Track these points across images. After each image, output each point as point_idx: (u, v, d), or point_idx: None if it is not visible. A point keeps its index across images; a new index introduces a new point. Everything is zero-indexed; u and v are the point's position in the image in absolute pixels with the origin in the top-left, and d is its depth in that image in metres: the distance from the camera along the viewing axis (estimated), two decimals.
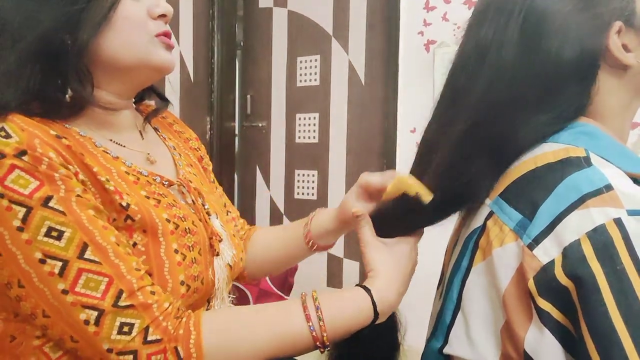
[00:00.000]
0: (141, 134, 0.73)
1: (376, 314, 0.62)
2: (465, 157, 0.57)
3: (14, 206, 0.51)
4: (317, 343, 0.59)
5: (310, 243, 0.81)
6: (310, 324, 0.59)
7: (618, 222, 0.46)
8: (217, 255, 0.69)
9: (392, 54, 2.04)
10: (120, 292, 0.53)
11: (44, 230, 0.51)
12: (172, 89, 2.15)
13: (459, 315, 0.58)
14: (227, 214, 0.86)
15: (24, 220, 0.51)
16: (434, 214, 0.62)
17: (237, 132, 2.53)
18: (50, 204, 0.52)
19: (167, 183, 0.68)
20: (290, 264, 0.89)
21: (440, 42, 1.91)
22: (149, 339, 0.53)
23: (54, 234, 0.52)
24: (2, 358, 0.58)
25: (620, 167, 0.52)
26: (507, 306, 0.52)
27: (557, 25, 0.54)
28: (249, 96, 2.51)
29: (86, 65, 0.62)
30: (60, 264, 0.52)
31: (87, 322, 0.52)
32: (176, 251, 0.62)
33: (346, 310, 0.61)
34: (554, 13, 0.54)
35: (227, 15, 2.41)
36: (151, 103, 0.85)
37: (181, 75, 2.22)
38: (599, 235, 0.46)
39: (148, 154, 0.70)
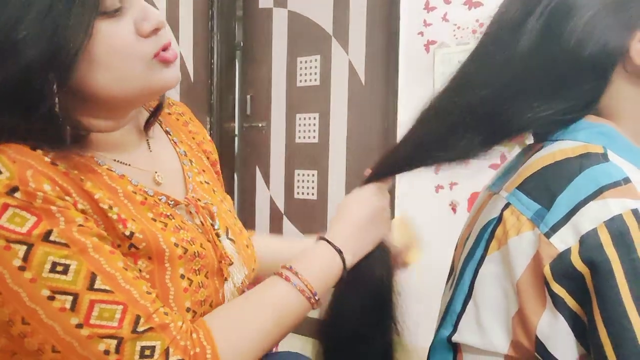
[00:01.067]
0: (148, 144, 0.69)
1: (338, 250, 0.64)
2: (465, 125, 0.58)
3: (12, 245, 0.48)
4: (306, 294, 0.61)
5: None
6: (291, 282, 0.61)
7: (635, 212, 0.47)
8: (226, 280, 0.66)
9: (392, 55, 2.04)
10: (138, 317, 0.51)
11: (48, 266, 0.49)
12: (172, 90, 2.15)
13: (470, 303, 0.60)
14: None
15: (25, 258, 0.49)
16: (404, 163, 0.67)
17: (237, 132, 2.54)
18: (52, 238, 0.50)
19: (173, 203, 0.64)
20: None
21: (440, 42, 1.91)
22: (171, 359, 0.52)
23: (59, 268, 0.50)
24: None
25: (637, 167, 0.54)
26: (521, 293, 0.53)
27: (582, 19, 0.55)
28: (248, 96, 2.51)
29: (71, 102, 0.55)
30: (70, 298, 0.49)
31: (107, 352, 0.50)
32: (182, 276, 0.59)
33: (312, 257, 0.65)
34: (582, 7, 0.55)
35: (226, 16, 2.41)
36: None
37: (181, 75, 2.22)
38: (616, 224, 0.47)
39: (155, 172, 0.66)
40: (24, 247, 0.49)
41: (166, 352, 0.52)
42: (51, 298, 0.49)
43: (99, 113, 0.60)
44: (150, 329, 0.52)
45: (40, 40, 0.50)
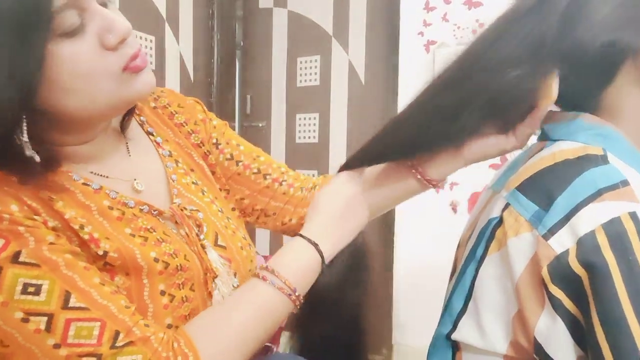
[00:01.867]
0: (127, 148, 0.67)
1: (313, 243, 0.63)
2: (463, 107, 0.58)
3: None
4: (285, 292, 0.60)
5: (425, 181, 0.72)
6: (268, 280, 0.60)
7: (633, 215, 0.47)
8: (212, 292, 0.64)
9: (392, 55, 2.04)
10: (117, 333, 0.50)
11: (19, 288, 0.48)
12: (172, 89, 2.15)
13: (471, 303, 0.60)
14: (265, 179, 0.80)
15: None
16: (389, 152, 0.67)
17: (237, 132, 2.53)
18: (21, 259, 0.48)
19: (156, 212, 0.62)
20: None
21: (441, 42, 1.91)
22: None
23: (31, 289, 0.48)
24: None
25: (636, 170, 0.53)
26: (520, 294, 0.53)
27: (599, 12, 0.54)
28: (248, 96, 2.51)
29: (41, 125, 0.52)
30: (45, 319, 0.48)
31: None
32: (162, 293, 0.58)
33: (288, 253, 0.64)
34: (602, 1, 0.55)
35: (227, 16, 2.41)
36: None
37: (181, 75, 2.22)
38: (613, 227, 0.47)
39: (135, 180, 0.64)
40: None
41: None
42: (25, 320, 0.48)
43: (71, 130, 0.58)
44: (130, 342, 0.51)
45: None
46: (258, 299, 0.60)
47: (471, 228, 0.67)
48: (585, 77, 0.56)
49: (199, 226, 0.66)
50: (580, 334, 0.49)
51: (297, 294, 0.61)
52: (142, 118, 0.72)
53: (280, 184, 0.81)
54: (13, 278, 0.48)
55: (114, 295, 0.53)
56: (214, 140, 0.79)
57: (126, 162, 0.65)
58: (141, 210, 0.61)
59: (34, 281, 0.48)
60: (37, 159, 0.51)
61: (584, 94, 0.58)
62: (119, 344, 0.50)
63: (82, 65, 0.51)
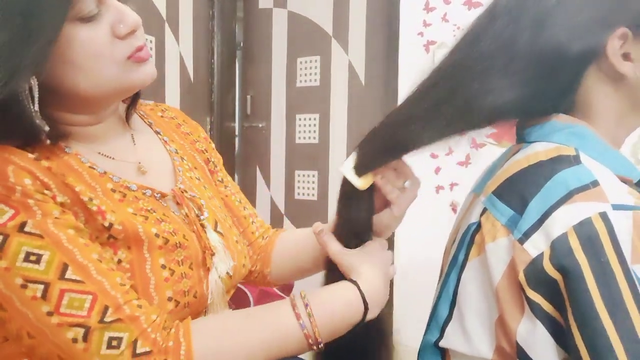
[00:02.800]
0: (133, 138, 0.71)
1: (366, 305, 0.62)
2: (435, 108, 0.58)
3: None
4: (309, 340, 0.59)
5: None
6: (301, 321, 0.59)
7: (603, 215, 0.47)
8: (210, 270, 0.66)
9: (392, 55, 2.04)
10: (106, 308, 0.53)
11: (22, 256, 0.51)
12: (173, 90, 2.15)
13: (455, 309, 0.60)
14: (244, 209, 0.85)
15: (1, 248, 0.51)
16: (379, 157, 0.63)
17: (237, 132, 2.53)
18: (26, 229, 0.52)
19: (159, 195, 0.66)
20: (318, 270, 0.85)
21: (440, 42, 1.91)
22: (138, 351, 0.53)
23: (33, 258, 0.51)
24: None
25: (609, 168, 0.53)
26: (500, 299, 0.53)
27: (562, 14, 0.54)
28: (249, 96, 2.51)
29: (53, 101, 0.58)
30: (41, 287, 0.51)
31: (75, 340, 0.52)
32: (163, 267, 0.60)
33: (336, 304, 0.61)
34: (564, 3, 0.55)
35: (227, 16, 2.41)
36: (149, 102, 0.84)
37: (181, 75, 2.22)
38: (584, 228, 0.47)
39: (139, 163, 0.68)
40: (0, 238, 0.51)
41: (134, 344, 0.53)
42: (24, 286, 0.51)
43: (80, 109, 0.63)
44: (119, 319, 0.53)
45: (15, 45, 0.52)
46: (278, 330, 0.59)
47: (455, 233, 0.67)
48: (557, 79, 0.56)
49: (199, 208, 0.69)
50: (562, 336, 0.49)
51: (320, 346, 0.59)
52: (150, 121, 0.77)
53: (252, 223, 0.87)
54: (17, 246, 0.51)
55: (110, 272, 0.55)
56: (212, 161, 0.84)
57: (131, 148, 0.70)
58: (144, 193, 0.64)
59: (36, 251, 0.52)
60: (46, 128, 0.56)
61: (557, 95, 0.57)
62: (107, 319, 0.52)
63: (94, 48, 0.57)
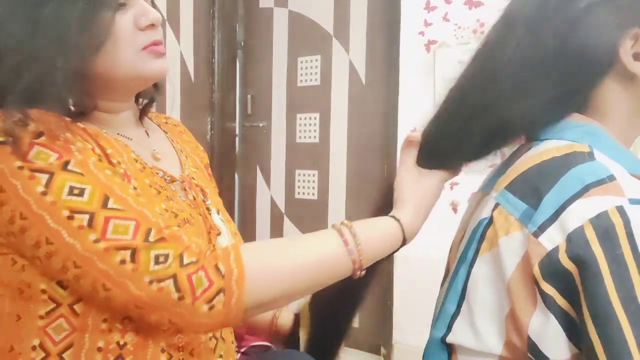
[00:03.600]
0: (147, 133, 0.76)
1: (404, 241, 0.67)
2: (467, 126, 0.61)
3: (36, 174, 0.55)
4: (355, 266, 0.62)
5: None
6: (349, 247, 0.61)
7: (620, 209, 0.47)
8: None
9: (392, 54, 2.04)
10: (149, 230, 0.56)
11: (66, 190, 0.55)
12: (173, 89, 2.16)
13: (464, 304, 0.60)
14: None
15: (47, 185, 0.54)
16: (475, 149, 0.65)
17: (237, 132, 2.54)
18: (69, 167, 0.56)
19: (169, 179, 0.70)
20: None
21: (441, 42, 1.91)
22: (185, 262, 0.55)
23: (76, 191, 0.55)
24: (8, 338, 0.60)
25: (622, 166, 0.54)
26: (512, 293, 0.53)
27: (579, 19, 0.55)
28: (249, 96, 2.51)
29: (82, 82, 0.63)
30: (87, 216, 0.54)
31: (123, 261, 0.54)
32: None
33: (379, 238, 0.65)
34: (580, 6, 0.55)
35: (227, 15, 2.41)
36: (152, 112, 0.88)
37: (182, 75, 2.22)
38: (601, 221, 0.47)
39: (154, 150, 0.73)
40: (46, 176, 0.55)
41: (180, 257, 0.55)
42: (70, 218, 0.54)
43: (100, 93, 0.67)
44: (162, 239, 0.56)
45: (79, 26, 0.59)
46: (326, 252, 0.61)
47: (462, 231, 0.68)
48: (577, 79, 0.57)
49: (204, 195, 0.74)
50: (574, 330, 0.49)
51: (361, 259, 0.62)
52: (158, 122, 0.84)
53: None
54: (62, 182, 0.55)
55: (149, 203, 0.59)
56: (209, 171, 0.89)
57: (146, 139, 0.75)
58: (157, 173, 0.69)
59: (78, 185, 0.56)
60: (72, 101, 0.62)
61: (572, 95, 0.58)
62: (151, 239, 0.55)
63: (120, 31, 0.63)
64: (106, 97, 0.68)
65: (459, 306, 0.60)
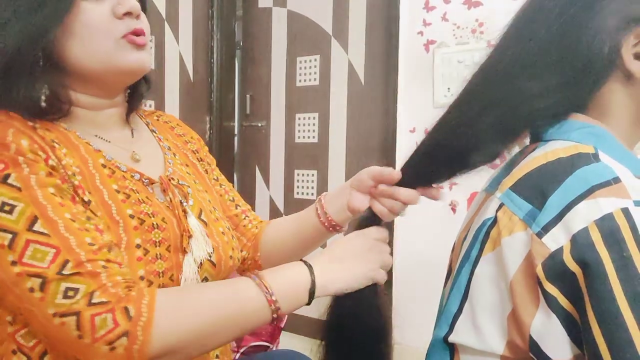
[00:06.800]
0: (132, 133, 0.74)
1: (312, 276, 0.63)
2: (475, 117, 0.60)
3: None
4: (263, 292, 0.60)
5: (326, 221, 0.80)
6: (252, 279, 0.61)
7: (625, 211, 0.47)
8: (186, 253, 0.67)
9: (391, 54, 2.04)
10: (66, 261, 0.54)
11: None
12: (171, 89, 2.15)
13: (466, 304, 0.60)
14: (236, 208, 0.88)
15: None
16: (444, 169, 0.65)
17: (236, 132, 2.53)
18: (9, 180, 0.55)
19: (147, 181, 0.69)
20: (308, 249, 0.86)
21: (440, 42, 1.91)
22: (94, 301, 0.53)
23: (7, 208, 0.54)
24: None
25: (627, 168, 0.54)
26: (514, 293, 0.53)
27: (586, 20, 0.55)
28: (248, 96, 2.51)
29: (54, 73, 0.62)
30: (10, 236, 0.53)
31: (32, 289, 0.53)
32: (138, 246, 0.62)
33: (280, 268, 0.64)
34: (588, 7, 0.56)
35: (226, 15, 2.41)
36: (146, 109, 0.86)
37: (180, 75, 2.22)
38: (606, 223, 0.47)
39: (133, 151, 0.71)
40: None
41: (90, 295, 0.53)
42: None
43: (81, 87, 0.67)
44: (78, 273, 0.54)
45: (26, 14, 0.59)
46: (236, 290, 0.60)
47: (465, 230, 0.68)
48: (581, 81, 0.57)
49: (184, 196, 0.72)
50: (576, 331, 0.49)
51: (274, 299, 0.60)
52: (147, 120, 0.82)
53: (245, 217, 0.90)
54: None
55: (80, 231, 0.56)
56: (207, 161, 0.88)
57: (129, 139, 0.73)
58: (132, 176, 0.68)
59: (11, 201, 0.54)
60: (43, 97, 0.61)
61: (576, 96, 0.58)
62: (65, 272, 0.53)
63: (94, 20, 0.63)
64: (84, 91, 0.67)
65: (462, 306, 0.60)
